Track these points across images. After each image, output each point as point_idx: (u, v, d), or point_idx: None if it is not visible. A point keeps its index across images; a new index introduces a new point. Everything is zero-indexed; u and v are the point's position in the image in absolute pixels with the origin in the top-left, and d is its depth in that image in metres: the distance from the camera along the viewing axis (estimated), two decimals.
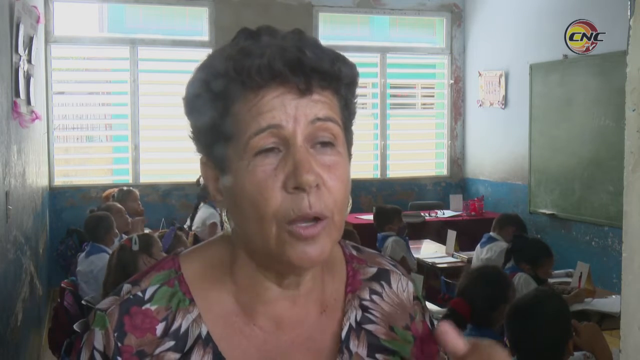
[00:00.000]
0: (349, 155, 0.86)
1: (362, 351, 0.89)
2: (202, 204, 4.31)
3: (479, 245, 4.75)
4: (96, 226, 4.15)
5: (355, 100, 0.87)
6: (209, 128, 0.82)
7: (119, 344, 0.82)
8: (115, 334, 0.83)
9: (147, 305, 0.84)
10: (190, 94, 0.84)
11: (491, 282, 2.83)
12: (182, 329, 0.84)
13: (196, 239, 4.86)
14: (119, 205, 4.70)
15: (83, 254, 4.08)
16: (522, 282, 3.75)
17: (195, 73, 0.84)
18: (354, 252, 0.97)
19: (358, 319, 0.91)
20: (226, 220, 0.85)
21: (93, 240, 4.13)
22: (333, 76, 0.81)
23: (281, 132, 0.78)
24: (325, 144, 0.80)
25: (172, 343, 0.83)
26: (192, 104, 0.83)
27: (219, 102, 0.80)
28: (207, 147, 0.84)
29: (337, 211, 0.80)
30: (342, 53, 0.83)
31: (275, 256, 0.80)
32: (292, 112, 0.78)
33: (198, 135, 0.85)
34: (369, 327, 0.91)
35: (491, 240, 4.68)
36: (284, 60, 0.77)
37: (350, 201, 0.84)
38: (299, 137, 0.78)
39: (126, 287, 0.87)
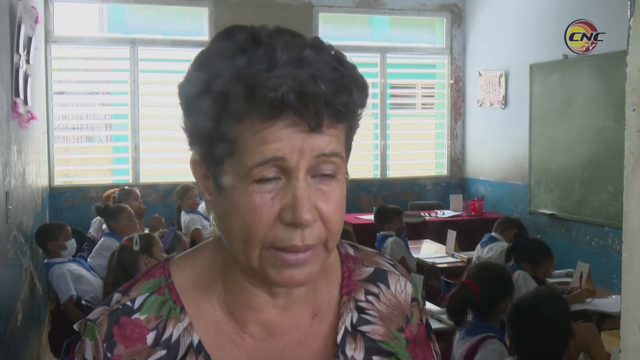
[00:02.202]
0: (346, 174, 0.83)
1: (359, 355, 0.88)
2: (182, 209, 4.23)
3: (479, 245, 4.76)
4: (48, 236, 4.10)
5: (361, 115, 0.83)
6: (207, 133, 0.78)
7: (109, 354, 0.82)
8: (105, 345, 0.83)
9: (137, 315, 0.84)
10: (190, 94, 0.79)
11: (498, 278, 2.92)
12: (174, 338, 0.84)
13: (193, 241, 4.85)
14: (129, 209, 4.65)
15: None
16: (521, 280, 3.76)
17: (196, 71, 0.80)
18: (351, 251, 0.96)
19: (354, 321, 0.89)
20: (214, 224, 0.85)
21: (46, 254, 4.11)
22: (346, 113, 0.77)
23: (284, 164, 0.75)
24: (326, 175, 0.78)
25: (163, 352, 0.83)
26: (192, 104, 0.79)
27: (222, 116, 0.76)
28: (202, 149, 0.80)
29: (330, 238, 0.79)
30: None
31: (258, 274, 0.80)
32: (298, 145, 0.75)
33: (193, 135, 0.81)
34: (365, 328, 0.90)
35: (492, 240, 4.69)
36: (297, 96, 0.73)
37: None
38: (301, 170, 0.76)
39: (116, 296, 0.86)
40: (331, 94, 0.74)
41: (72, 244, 4.05)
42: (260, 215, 0.76)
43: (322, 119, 0.74)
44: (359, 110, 0.81)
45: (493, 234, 4.74)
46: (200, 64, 0.80)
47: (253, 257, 0.78)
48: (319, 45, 0.78)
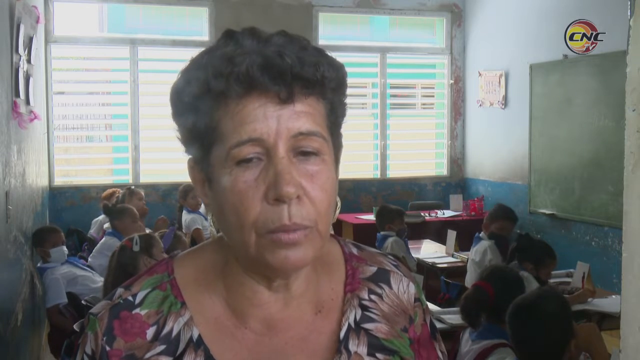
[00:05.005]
0: (337, 160, 0.85)
1: (362, 350, 0.88)
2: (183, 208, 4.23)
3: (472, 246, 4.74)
4: (36, 241, 4.09)
5: (345, 101, 0.85)
6: (194, 133, 0.82)
7: (108, 348, 0.83)
8: (104, 338, 0.83)
9: (137, 310, 0.85)
10: (174, 98, 0.83)
11: (511, 281, 2.96)
12: (174, 333, 0.84)
13: (193, 241, 4.85)
14: (135, 210, 4.65)
15: None
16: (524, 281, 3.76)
17: (179, 77, 0.83)
18: (354, 251, 0.97)
19: (357, 318, 0.90)
20: (212, 224, 0.86)
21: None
22: (316, 82, 0.79)
23: (262, 143, 0.77)
24: (309, 153, 0.79)
25: (163, 347, 0.84)
26: (176, 108, 0.83)
27: (201, 108, 0.79)
28: (195, 150, 0.84)
29: (320, 220, 0.80)
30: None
31: (256, 262, 0.81)
32: (274, 124, 0.77)
33: (185, 139, 0.85)
34: (369, 326, 0.90)
35: (477, 240, 4.67)
36: (262, 69, 0.75)
37: (339, 203, 0.84)
38: (280, 149, 0.77)
39: (119, 291, 0.88)
40: (298, 66, 0.77)
41: (58, 251, 3.97)
42: (246, 197, 0.77)
43: (292, 88, 0.77)
44: (338, 90, 0.83)
45: (479, 234, 4.71)
46: (181, 71, 0.84)
47: (250, 243, 0.79)
48: (290, 35, 0.81)
